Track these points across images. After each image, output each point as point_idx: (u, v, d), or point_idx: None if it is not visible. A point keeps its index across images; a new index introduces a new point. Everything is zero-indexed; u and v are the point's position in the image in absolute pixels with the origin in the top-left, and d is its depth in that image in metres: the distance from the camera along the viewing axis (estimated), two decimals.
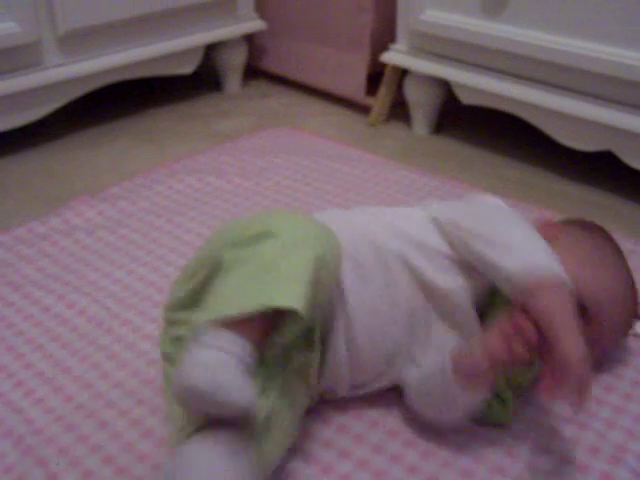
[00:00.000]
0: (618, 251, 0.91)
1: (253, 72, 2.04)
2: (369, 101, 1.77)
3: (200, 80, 1.98)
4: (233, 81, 1.97)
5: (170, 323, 0.83)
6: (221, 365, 0.66)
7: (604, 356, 0.91)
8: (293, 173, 1.46)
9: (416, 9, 1.55)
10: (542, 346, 0.72)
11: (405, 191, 1.40)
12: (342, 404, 0.87)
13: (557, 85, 1.40)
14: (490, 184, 1.45)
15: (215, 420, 0.69)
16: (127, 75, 1.69)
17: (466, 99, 1.57)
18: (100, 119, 1.76)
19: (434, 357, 0.80)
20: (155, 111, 1.82)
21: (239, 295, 0.71)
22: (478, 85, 1.51)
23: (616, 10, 1.27)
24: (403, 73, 1.70)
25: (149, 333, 1.01)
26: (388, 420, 0.87)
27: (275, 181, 1.43)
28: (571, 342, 0.70)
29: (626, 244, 1.19)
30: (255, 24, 1.91)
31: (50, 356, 0.97)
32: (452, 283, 0.82)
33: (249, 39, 1.98)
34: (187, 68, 1.82)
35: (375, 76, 1.76)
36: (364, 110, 1.80)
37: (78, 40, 1.56)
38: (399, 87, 1.72)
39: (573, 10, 1.32)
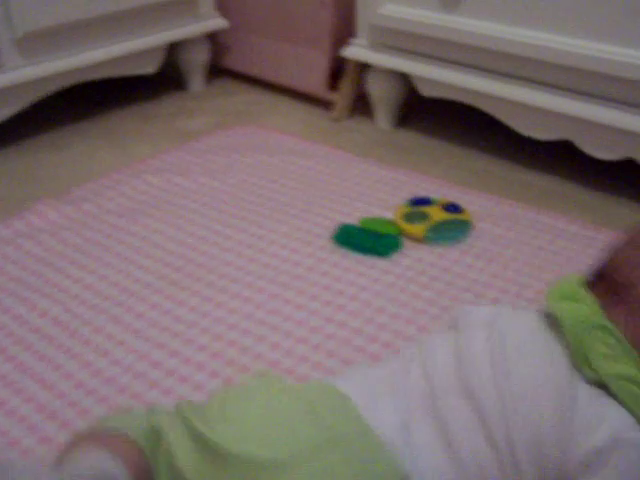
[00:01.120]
0: None
1: (217, 71, 2.04)
2: (332, 96, 1.78)
3: (164, 80, 1.98)
4: (197, 80, 1.97)
5: None
6: None
7: None
8: (258, 171, 1.47)
9: (375, 3, 1.56)
10: None
11: (367, 184, 1.41)
12: None
13: (516, 76, 1.42)
14: (455, 176, 1.47)
15: None
16: (88, 76, 1.68)
17: (427, 92, 1.59)
18: (63, 121, 1.75)
19: None
20: (119, 112, 1.81)
21: None
22: (438, 78, 1.53)
23: (571, 1, 1.28)
24: (365, 68, 1.71)
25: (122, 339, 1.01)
26: None
27: (241, 179, 1.44)
28: None
29: (587, 232, 1.22)
30: (217, 22, 1.91)
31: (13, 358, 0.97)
32: None
33: (212, 38, 1.97)
34: (149, 68, 1.82)
35: (338, 71, 1.77)
36: (328, 106, 1.80)
37: (38, 41, 1.55)
38: (361, 82, 1.73)
39: (529, 1, 1.33)
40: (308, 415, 0.64)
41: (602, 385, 0.65)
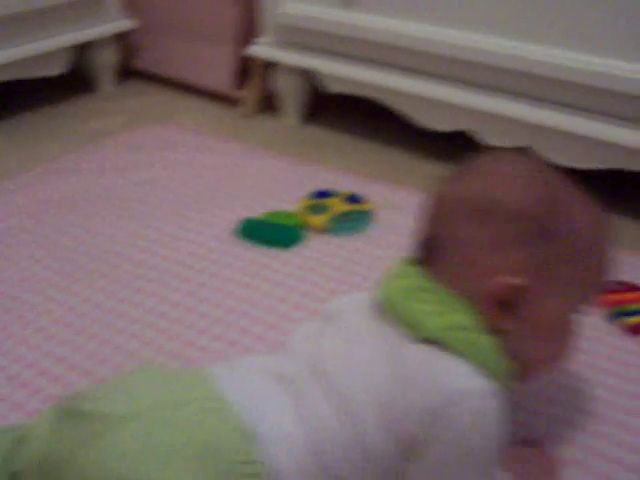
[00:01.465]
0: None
1: (128, 71, 2.05)
2: (240, 94, 1.80)
3: (75, 81, 1.97)
4: (107, 81, 1.97)
5: None
6: None
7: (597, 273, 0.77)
8: (166, 168, 1.49)
9: (278, 2, 1.59)
10: None
11: (274, 179, 1.44)
12: None
13: (416, 70, 1.46)
14: (359, 168, 1.50)
15: None
16: None
17: (332, 88, 1.62)
18: None
19: None
20: (28, 114, 1.81)
21: None
22: (342, 74, 1.57)
23: None
24: (271, 65, 1.73)
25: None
26: None
27: (148, 177, 1.45)
28: None
29: None
30: (124, 23, 1.92)
31: None
32: None
33: (121, 38, 1.98)
34: (55, 70, 1.81)
35: (246, 69, 1.79)
36: (236, 103, 1.83)
37: None
38: (269, 79, 1.76)
39: None
40: (167, 382, 0.70)
41: (439, 343, 0.68)
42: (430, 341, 0.68)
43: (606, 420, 0.88)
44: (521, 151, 0.74)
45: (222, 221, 1.29)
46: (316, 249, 1.21)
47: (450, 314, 0.69)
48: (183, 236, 1.25)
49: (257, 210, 1.32)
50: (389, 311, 0.71)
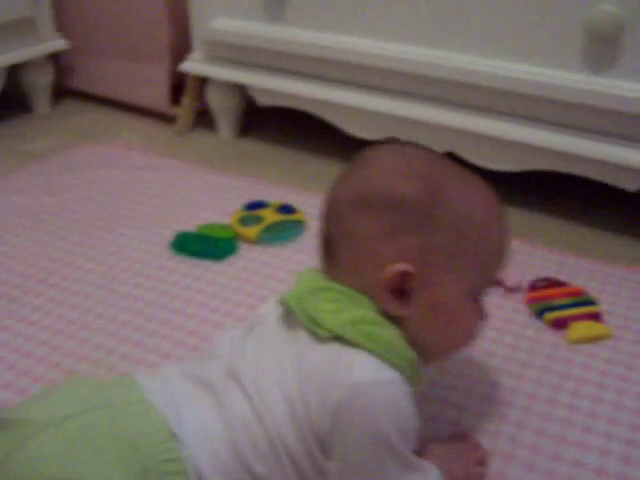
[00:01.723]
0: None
1: (63, 91, 2.05)
2: (175, 111, 1.82)
3: (8, 102, 1.97)
4: (42, 101, 1.97)
5: None
6: None
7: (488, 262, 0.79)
8: (100, 186, 1.50)
9: (207, 18, 1.61)
10: None
11: (208, 193, 1.46)
12: None
13: (344, 81, 1.49)
14: (292, 179, 1.53)
15: None
16: None
17: (263, 101, 1.65)
18: None
19: None
20: None
21: None
22: (272, 87, 1.59)
23: (389, 8, 1.37)
24: (206, 81, 1.75)
25: None
26: None
27: (82, 195, 1.46)
28: None
29: None
30: (57, 44, 1.92)
31: None
32: None
33: (55, 59, 1.98)
34: None
35: (181, 86, 1.81)
36: (171, 120, 1.84)
37: None
38: (203, 95, 1.78)
39: (349, 10, 1.41)
40: (92, 390, 0.72)
41: (343, 340, 0.70)
42: (335, 338, 0.70)
43: (530, 411, 0.91)
44: (408, 143, 0.78)
45: (156, 236, 1.30)
46: (249, 259, 1.23)
47: (350, 310, 0.71)
48: (118, 252, 1.26)
49: (192, 224, 1.34)
50: (297, 313, 0.73)
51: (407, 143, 0.80)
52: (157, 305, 1.12)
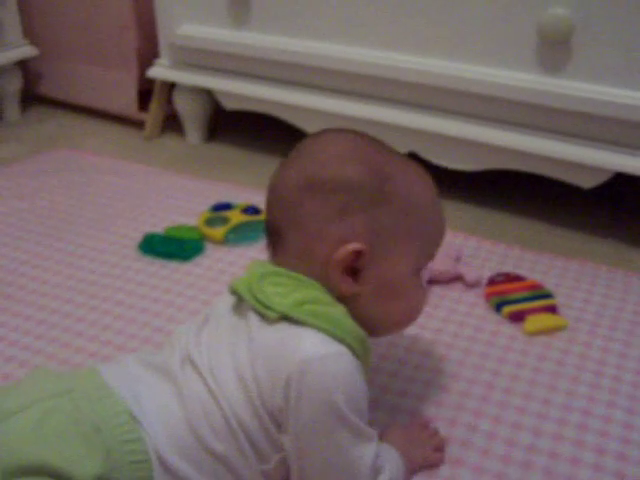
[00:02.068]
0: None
1: (31, 98, 2.06)
2: (143, 116, 1.84)
3: None
4: (10, 108, 1.98)
5: None
6: None
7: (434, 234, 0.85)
8: (67, 191, 1.51)
9: (173, 24, 1.63)
10: None
11: (175, 196, 1.49)
12: None
13: (308, 85, 1.53)
14: (258, 182, 1.54)
15: None
16: None
17: (229, 105, 1.68)
18: None
19: None
20: None
21: None
22: (237, 91, 1.62)
23: (352, 12, 1.40)
24: (174, 86, 1.78)
25: None
26: None
27: (49, 200, 1.48)
28: None
29: None
30: (25, 50, 1.94)
31: None
32: None
33: (23, 65, 1.99)
34: None
35: (149, 91, 1.83)
36: (139, 125, 1.86)
37: None
38: (171, 100, 1.80)
39: (312, 15, 1.45)
40: (54, 379, 0.74)
41: (291, 320, 0.73)
42: (283, 319, 0.73)
43: (487, 400, 0.95)
44: (347, 130, 0.80)
45: (124, 238, 1.33)
46: (216, 259, 1.26)
47: (297, 292, 0.74)
48: (86, 254, 1.28)
49: (159, 226, 1.36)
50: (246, 298, 0.75)
51: (346, 130, 0.82)
52: (125, 305, 1.14)
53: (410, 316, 0.84)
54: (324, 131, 0.83)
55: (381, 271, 0.77)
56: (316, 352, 0.71)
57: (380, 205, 0.76)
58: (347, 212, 0.75)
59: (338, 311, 0.75)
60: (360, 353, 0.75)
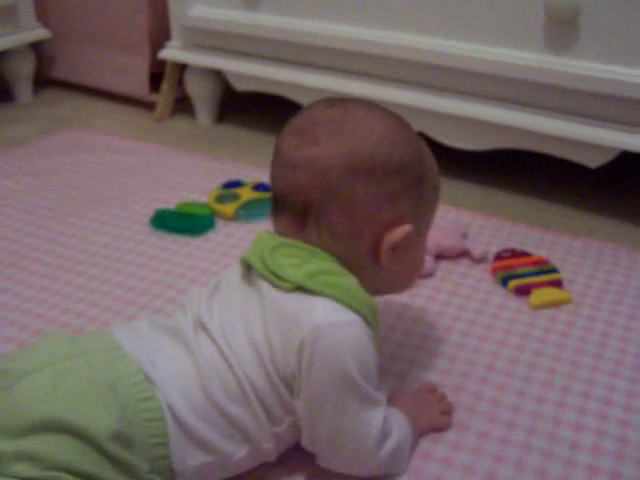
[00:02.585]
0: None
1: (44, 80, 2.09)
2: (154, 98, 1.86)
3: None
4: (23, 90, 2.00)
5: None
6: None
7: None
8: (80, 169, 1.54)
9: (185, 6, 1.65)
10: None
11: (186, 174, 1.50)
12: None
13: (318, 66, 1.54)
14: (268, 162, 1.56)
15: None
16: None
17: (239, 86, 1.69)
18: None
19: None
20: None
21: None
22: (248, 72, 1.64)
23: None
24: (184, 68, 1.80)
25: None
26: None
27: (62, 178, 1.50)
28: None
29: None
30: (38, 33, 1.96)
31: None
32: None
33: (36, 48, 2.02)
34: None
35: (161, 73, 1.85)
36: (151, 107, 1.88)
37: None
38: (181, 82, 1.82)
39: None
40: (68, 342, 0.75)
41: (307, 290, 0.74)
42: (296, 289, 0.74)
43: (493, 369, 0.96)
44: (360, 101, 0.80)
45: (136, 214, 1.35)
46: (226, 235, 1.28)
47: (310, 263, 0.76)
48: (99, 229, 1.30)
49: (171, 203, 1.38)
50: (259, 270, 0.77)
51: (358, 100, 0.81)
52: (137, 277, 1.16)
53: (414, 277, 0.88)
54: (339, 101, 0.80)
55: (418, 241, 0.82)
56: (329, 319, 0.73)
57: (422, 185, 0.79)
58: (400, 195, 0.77)
59: (351, 281, 0.77)
60: (372, 322, 0.77)
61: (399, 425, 0.80)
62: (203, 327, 0.77)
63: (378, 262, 0.79)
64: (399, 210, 0.78)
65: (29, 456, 0.65)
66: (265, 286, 0.76)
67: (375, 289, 0.80)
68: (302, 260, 0.76)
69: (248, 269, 0.80)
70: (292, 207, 0.77)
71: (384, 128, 0.77)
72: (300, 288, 0.74)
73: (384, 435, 0.76)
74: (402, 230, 0.77)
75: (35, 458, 0.65)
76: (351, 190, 0.75)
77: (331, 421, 0.73)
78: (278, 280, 0.75)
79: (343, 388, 0.73)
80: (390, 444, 0.77)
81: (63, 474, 0.65)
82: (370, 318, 0.76)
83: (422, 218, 0.82)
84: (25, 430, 0.67)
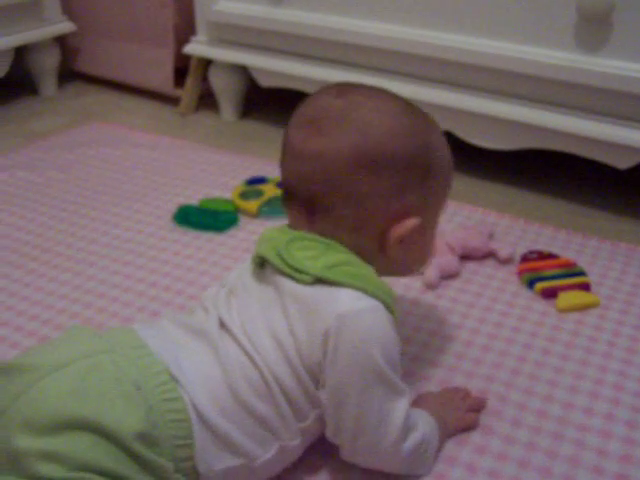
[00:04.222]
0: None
1: (69, 74, 2.09)
2: (179, 92, 1.85)
3: (15, 84, 2.00)
4: (48, 83, 2.00)
5: None
6: None
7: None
8: (103, 163, 1.53)
9: (211, 1, 1.64)
10: None
11: (210, 170, 1.50)
12: None
13: (343, 62, 1.53)
14: None
15: None
16: None
17: (264, 82, 1.68)
18: None
19: None
20: None
21: None
22: (273, 68, 1.63)
23: None
24: (209, 63, 1.79)
25: None
26: None
27: (86, 171, 1.50)
28: None
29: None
30: (63, 26, 1.96)
31: None
32: None
33: (61, 41, 2.02)
34: None
35: (185, 68, 1.85)
36: (175, 102, 1.88)
37: None
38: (206, 77, 1.81)
39: None
40: (92, 338, 0.75)
41: (327, 282, 0.73)
42: (316, 281, 0.74)
43: (519, 372, 0.95)
44: (369, 89, 0.79)
45: (159, 210, 1.34)
46: (250, 232, 1.27)
47: (326, 255, 0.75)
48: (122, 224, 1.30)
49: (194, 198, 1.37)
50: (277, 265, 0.76)
51: (368, 87, 0.80)
52: (159, 273, 1.16)
53: (423, 264, 0.88)
54: (347, 90, 0.78)
55: (423, 235, 0.81)
56: (353, 307, 0.72)
57: (430, 177, 0.78)
58: (407, 188, 0.76)
59: (368, 271, 0.76)
60: (391, 307, 0.76)
61: (425, 422, 0.79)
62: (225, 327, 0.76)
63: (386, 253, 0.79)
64: (405, 203, 0.77)
65: (55, 456, 0.64)
66: (283, 281, 0.75)
67: (382, 274, 0.80)
68: (319, 252, 0.75)
69: (260, 266, 0.79)
70: (300, 199, 0.77)
71: (389, 120, 0.76)
72: (320, 280, 0.73)
73: (408, 427, 0.75)
74: (409, 223, 0.77)
75: (60, 458, 0.64)
76: (356, 184, 0.75)
77: (356, 409, 0.72)
78: (297, 273, 0.74)
79: (369, 375, 0.72)
80: (415, 438, 0.76)
81: (89, 474, 0.65)
82: (390, 304, 0.76)
83: (431, 209, 0.81)
84: (50, 428, 0.66)
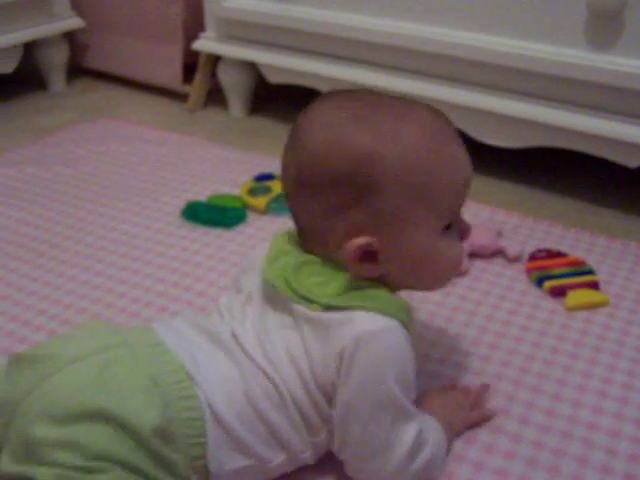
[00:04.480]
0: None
1: (78, 69, 2.09)
2: (187, 89, 1.85)
3: (24, 79, 2.00)
4: (57, 79, 2.00)
5: None
6: None
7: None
8: (111, 159, 1.53)
9: None
10: None
11: (218, 166, 1.50)
12: None
13: (350, 58, 1.52)
14: None
15: None
16: None
17: (273, 79, 1.68)
18: None
19: None
20: None
21: None
22: (282, 64, 1.62)
23: None
24: (217, 59, 1.79)
25: None
26: None
27: (94, 167, 1.50)
28: None
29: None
30: (73, 22, 1.96)
31: None
32: None
33: (70, 37, 2.02)
34: (5, 68, 1.84)
35: (194, 65, 1.84)
36: (183, 98, 1.88)
37: None
38: (214, 73, 1.81)
39: None
40: (110, 332, 0.75)
41: (336, 307, 0.72)
42: (328, 307, 0.73)
43: (527, 371, 0.94)
44: (334, 96, 0.78)
45: (168, 206, 1.34)
46: (257, 228, 1.27)
47: (335, 281, 0.74)
48: (130, 220, 1.30)
49: (202, 195, 1.37)
50: (282, 290, 0.75)
51: (335, 94, 0.79)
52: (168, 269, 1.16)
53: (446, 275, 0.80)
54: (318, 101, 0.79)
55: (398, 248, 0.74)
56: (368, 327, 0.71)
57: (373, 192, 0.71)
58: (344, 208, 0.72)
59: (379, 291, 0.75)
60: (407, 323, 0.75)
61: (434, 433, 0.78)
62: (237, 342, 0.75)
63: (370, 274, 0.76)
64: (350, 221, 0.72)
65: (71, 444, 0.65)
66: (295, 305, 0.75)
67: (401, 289, 0.79)
68: (328, 277, 0.74)
69: (267, 286, 0.79)
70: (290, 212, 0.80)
71: (324, 136, 0.72)
72: (331, 306, 0.73)
73: (417, 447, 0.74)
74: (355, 242, 0.72)
75: (77, 447, 0.65)
76: (301, 202, 0.76)
77: (363, 429, 0.72)
78: (308, 303, 0.74)
79: (380, 398, 0.71)
80: (424, 457, 0.75)
81: (105, 463, 0.65)
82: (406, 320, 0.75)
83: (396, 223, 0.73)
84: (68, 418, 0.66)
